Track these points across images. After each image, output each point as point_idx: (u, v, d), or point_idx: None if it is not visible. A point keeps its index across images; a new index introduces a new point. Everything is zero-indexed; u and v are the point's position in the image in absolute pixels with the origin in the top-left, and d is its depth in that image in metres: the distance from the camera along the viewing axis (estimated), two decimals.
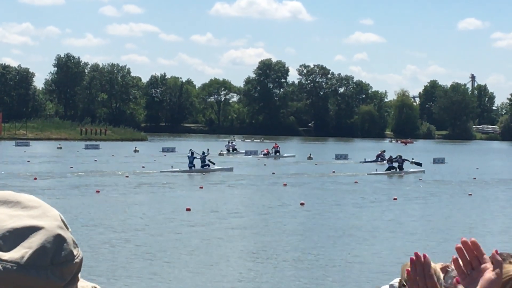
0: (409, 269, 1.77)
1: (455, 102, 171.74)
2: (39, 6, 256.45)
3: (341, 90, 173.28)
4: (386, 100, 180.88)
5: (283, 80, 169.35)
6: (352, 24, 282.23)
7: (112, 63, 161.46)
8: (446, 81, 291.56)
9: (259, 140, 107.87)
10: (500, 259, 1.79)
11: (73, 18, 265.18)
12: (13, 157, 54.79)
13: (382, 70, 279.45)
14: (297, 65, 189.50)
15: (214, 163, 46.01)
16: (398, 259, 16.12)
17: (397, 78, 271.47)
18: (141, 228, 21.87)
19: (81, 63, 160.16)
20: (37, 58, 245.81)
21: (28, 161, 50.23)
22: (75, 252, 1.24)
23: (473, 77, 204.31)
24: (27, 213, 1.23)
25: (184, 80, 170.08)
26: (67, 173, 41.00)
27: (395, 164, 47.67)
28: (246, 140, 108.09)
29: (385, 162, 53.00)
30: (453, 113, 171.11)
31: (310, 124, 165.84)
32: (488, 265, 1.78)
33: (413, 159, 49.96)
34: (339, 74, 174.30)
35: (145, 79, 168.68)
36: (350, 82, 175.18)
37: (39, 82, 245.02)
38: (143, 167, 46.60)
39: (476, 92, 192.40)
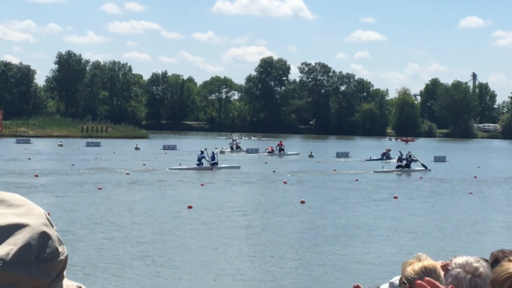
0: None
1: (456, 100, 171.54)
2: (40, 4, 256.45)
3: (343, 88, 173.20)
4: (387, 98, 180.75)
5: (284, 78, 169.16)
6: (354, 22, 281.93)
7: (114, 61, 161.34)
8: (447, 80, 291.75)
9: (256, 138, 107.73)
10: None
11: (74, 15, 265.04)
12: (14, 154, 54.87)
13: (384, 68, 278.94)
14: (298, 63, 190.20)
15: (217, 163, 46.25)
16: (398, 257, 16.13)
17: (399, 76, 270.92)
18: (143, 225, 21.92)
19: (83, 61, 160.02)
20: (38, 55, 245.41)
21: (29, 159, 50.26)
22: (60, 249, 1.25)
23: (474, 76, 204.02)
24: (12, 211, 1.25)
25: (185, 78, 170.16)
26: (68, 170, 41.07)
27: (403, 163, 48.23)
28: (244, 138, 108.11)
29: (389, 161, 53.92)
30: (454, 112, 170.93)
31: (311, 122, 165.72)
32: None
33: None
34: (340, 72, 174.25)
35: (146, 76, 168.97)
36: (352, 80, 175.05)
37: (40, 80, 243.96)
38: (144, 164, 46.71)
39: (477, 90, 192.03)
